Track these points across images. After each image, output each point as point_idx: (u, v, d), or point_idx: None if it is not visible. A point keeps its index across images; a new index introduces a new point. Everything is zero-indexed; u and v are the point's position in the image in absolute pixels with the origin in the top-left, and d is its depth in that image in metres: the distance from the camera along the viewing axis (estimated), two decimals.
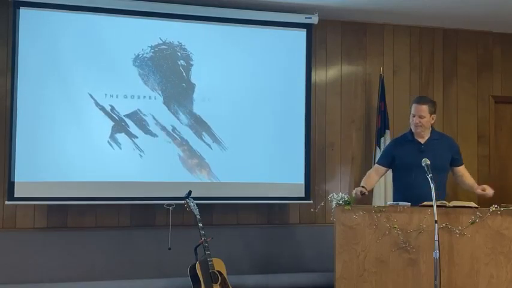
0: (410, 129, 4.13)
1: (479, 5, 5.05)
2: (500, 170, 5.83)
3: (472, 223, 3.65)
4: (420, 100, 4.09)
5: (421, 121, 4.00)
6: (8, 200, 4.57)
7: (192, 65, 4.96)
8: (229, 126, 5.00)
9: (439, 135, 4.19)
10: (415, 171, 3.95)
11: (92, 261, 4.79)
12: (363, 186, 4.00)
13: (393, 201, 4.03)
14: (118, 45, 4.79)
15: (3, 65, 4.77)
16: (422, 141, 4.08)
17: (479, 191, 4.01)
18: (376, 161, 4.36)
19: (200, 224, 4.33)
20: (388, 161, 4.22)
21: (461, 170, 4.20)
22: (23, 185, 4.56)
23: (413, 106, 4.06)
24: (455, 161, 4.16)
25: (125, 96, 4.79)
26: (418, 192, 3.81)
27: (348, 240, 3.68)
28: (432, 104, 4.08)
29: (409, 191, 3.93)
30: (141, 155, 4.81)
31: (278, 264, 5.16)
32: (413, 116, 4.05)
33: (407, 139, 4.14)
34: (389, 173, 4.36)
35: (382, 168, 4.24)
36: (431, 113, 4.04)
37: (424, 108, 4.01)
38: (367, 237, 3.67)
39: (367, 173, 4.29)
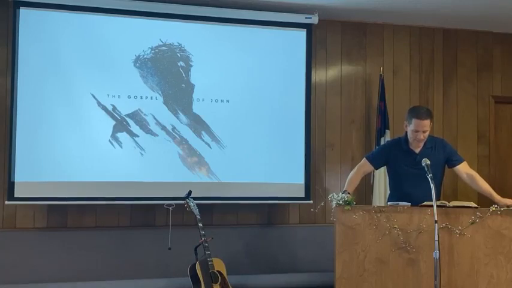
0: (406, 137, 4.03)
1: (479, 5, 5.05)
2: (500, 170, 5.83)
3: (472, 223, 3.64)
4: (422, 115, 3.88)
5: (424, 135, 3.92)
6: (8, 200, 4.57)
7: (191, 65, 4.97)
8: (229, 126, 5.01)
9: (432, 142, 4.03)
10: (410, 181, 3.95)
11: (91, 261, 4.79)
12: (347, 192, 3.87)
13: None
14: (118, 46, 4.80)
15: (3, 65, 4.78)
16: (417, 150, 3.99)
17: (502, 204, 3.76)
18: (367, 156, 4.17)
19: (200, 224, 4.33)
20: (381, 164, 4.19)
21: (465, 168, 4.06)
22: (23, 185, 4.57)
23: (416, 122, 3.87)
24: (453, 162, 4.06)
25: (128, 97, 4.80)
26: (414, 201, 3.78)
27: (348, 240, 3.67)
28: (431, 115, 3.96)
29: (404, 199, 3.85)
30: (141, 154, 4.82)
31: (278, 264, 5.17)
32: (416, 132, 3.89)
33: (403, 148, 4.03)
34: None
35: (371, 168, 4.20)
36: (431, 123, 3.96)
37: (427, 122, 3.88)
38: (367, 237, 3.67)
39: (352, 174, 4.09)
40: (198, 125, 4.96)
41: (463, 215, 3.67)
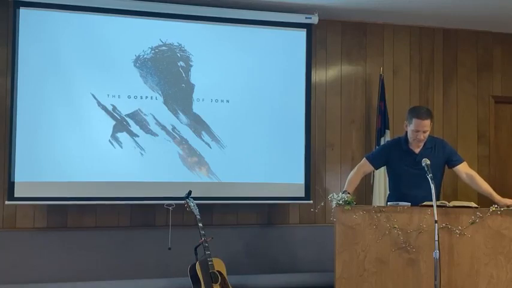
0: (406, 137, 4.03)
1: (479, 5, 5.05)
2: (500, 170, 5.83)
3: (472, 223, 3.64)
4: (422, 115, 3.88)
5: (425, 135, 3.92)
6: (8, 200, 4.57)
7: (191, 65, 4.97)
8: (229, 126, 5.01)
9: (432, 142, 4.03)
10: (410, 182, 3.95)
11: (91, 261, 4.80)
12: (347, 192, 3.86)
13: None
14: (118, 46, 4.80)
15: (3, 65, 4.78)
16: (417, 150, 3.99)
17: (502, 204, 3.76)
18: (367, 156, 4.17)
19: (200, 224, 4.33)
20: (381, 164, 4.20)
21: (465, 168, 4.06)
22: (23, 185, 4.57)
23: (416, 122, 3.87)
24: (453, 162, 4.06)
25: (128, 97, 4.81)
26: (413, 201, 3.78)
27: (348, 240, 3.67)
28: (432, 115, 3.96)
29: (404, 199, 3.85)
30: (141, 154, 4.82)
31: (278, 264, 5.17)
32: (417, 132, 3.89)
33: (403, 148, 4.03)
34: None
35: (371, 168, 4.19)
36: (431, 123, 3.96)
37: (427, 122, 3.88)
38: (367, 237, 3.67)
39: (352, 174, 4.09)
40: (198, 125, 4.96)
41: (463, 215, 3.67)
